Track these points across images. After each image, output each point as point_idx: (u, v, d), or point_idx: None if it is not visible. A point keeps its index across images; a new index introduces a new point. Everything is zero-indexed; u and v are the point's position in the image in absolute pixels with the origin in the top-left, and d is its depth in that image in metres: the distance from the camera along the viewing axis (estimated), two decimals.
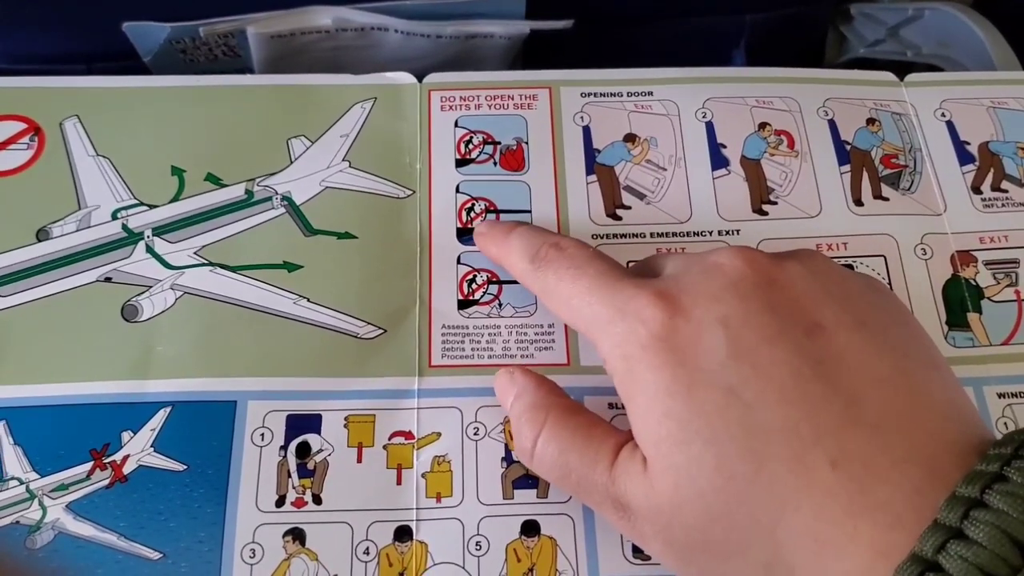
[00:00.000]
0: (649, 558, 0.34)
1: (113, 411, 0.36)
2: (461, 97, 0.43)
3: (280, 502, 0.35)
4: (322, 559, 0.34)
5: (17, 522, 0.34)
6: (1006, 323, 0.39)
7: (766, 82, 0.44)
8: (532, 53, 0.51)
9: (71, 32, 0.48)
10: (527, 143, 0.42)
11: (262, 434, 0.36)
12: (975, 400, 0.37)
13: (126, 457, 0.35)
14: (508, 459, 0.36)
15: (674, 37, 0.53)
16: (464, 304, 0.39)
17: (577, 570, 0.34)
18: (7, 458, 0.35)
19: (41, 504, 0.34)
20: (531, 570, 0.34)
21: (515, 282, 0.39)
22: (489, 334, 0.38)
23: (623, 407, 0.36)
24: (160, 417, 0.36)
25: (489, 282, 0.40)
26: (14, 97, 0.43)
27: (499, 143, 0.42)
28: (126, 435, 0.35)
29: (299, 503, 0.35)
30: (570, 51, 0.50)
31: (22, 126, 0.43)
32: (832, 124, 0.43)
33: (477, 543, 0.34)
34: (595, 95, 0.43)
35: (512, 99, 0.43)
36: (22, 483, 0.35)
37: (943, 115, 0.44)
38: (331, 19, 0.46)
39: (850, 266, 0.40)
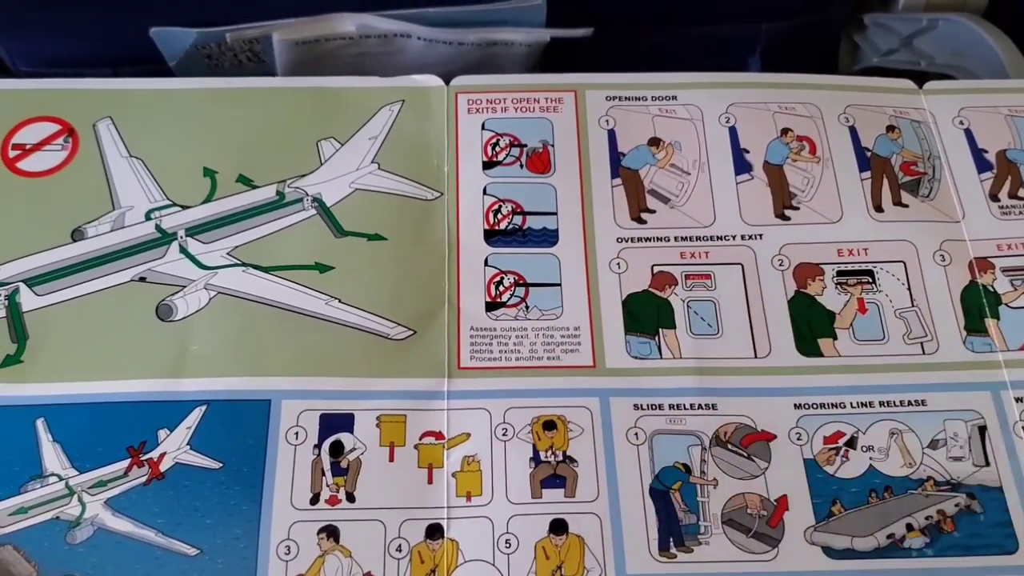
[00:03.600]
0: (675, 556, 0.35)
1: (149, 409, 0.37)
2: (488, 100, 0.44)
3: (314, 500, 0.35)
4: (356, 556, 0.34)
5: (57, 517, 0.35)
6: (1023, 329, 0.40)
7: (788, 88, 0.45)
8: (551, 61, 0.51)
9: (98, 37, 0.49)
10: (553, 146, 0.43)
11: (296, 433, 0.36)
12: (992, 405, 0.38)
13: (163, 455, 0.36)
14: (536, 459, 0.37)
15: (691, 45, 0.54)
16: (492, 306, 0.40)
17: (604, 568, 0.34)
18: (46, 454, 0.36)
19: (80, 500, 0.35)
20: (559, 567, 0.35)
21: (542, 284, 0.40)
22: (516, 336, 0.39)
23: (648, 407, 0.38)
24: (195, 415, 0.36)
25: (516, 284, 0.40)
26: (48, 99, 0.44)
27: (525, 146, 0.43)
28: (162, 433, 0.36)
29: (333, 501, 0.35)
30: (589, 59, 0.51)
31: (56, 127, 0.43)
32: (853, 131, 0.44)
33: (507, 541, 0.35)
34: (620, 99, 0.44)
35: (538, 102, 0.44)
36: (61, 479, 0.35)
37: (961, 123, 0.44)
38: (355, 26, 0.46)
39: (870, 272, 0.41)
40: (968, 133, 0.44)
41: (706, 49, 0.55)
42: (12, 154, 0.42)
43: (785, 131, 0.44)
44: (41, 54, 0.50)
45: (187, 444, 0.36)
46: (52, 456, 0.36)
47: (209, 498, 0.35)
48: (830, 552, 0.35)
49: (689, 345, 0.39)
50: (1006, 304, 0.40)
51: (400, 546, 0.35)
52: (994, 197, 0.43)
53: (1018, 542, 0.35)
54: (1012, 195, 0.43)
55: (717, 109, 0.44)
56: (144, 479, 0.35)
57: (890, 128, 0.44)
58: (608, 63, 0.48)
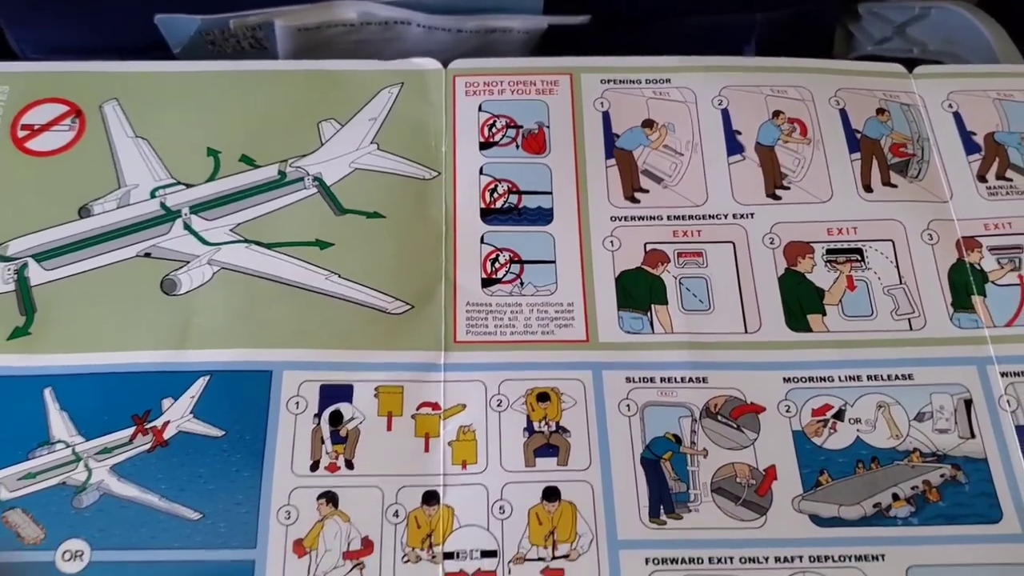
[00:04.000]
0: (665, 522, 0.36)
1: (154, 379, 0.38)
2: (485, 83, 0.45)
3: (314, 467, 0.36)
4: (354, 521, 0.35)
5: (64, 483, 0.36)
6: (1009, 306, 0.40)
7: (780, 71, 0.46)
8: (548, 48, 0.52)
9: (105, 24, 0.50)
10: (548, 127, 0.44)
11: (297, 402, 0.37)
12: (978, 379, 0.39)
13: (166, 423, 0.37)
14: (530, 429, 0.37)
15: (686, 33, 0.55)
16: (488, 282, 0.41)
17: (596, 533, 0.35)
18: (54, 422, 0.37)
19: (87, 466, 0.36)
20: (552, 533, 0.35)
21: (537, 261, 0.41)
22: (511, 312, 0.40)
23: (639, 380, 0.38)
24: (199, 385, 0.37)
25: (511, 261, 0.41)
26: (55, 81, 0.45)
27: (521, 127, 0.44)
28: (166, 402, 0.37)
29: (332, 468, 0.36)
30: (585, 46, 0.52)
31: (64, 108, 0.44)
32: (843, 113, 0.45)
33: (501, 507, 0.36)
34: (614, 82, 0.45)
35: (534, 85, 0.45)
36: (68, 446, 0.36)
37: (950, 106, 0.45)
38: (356, 13, 0.47)
39: (859, 251, 0.42)
40: (957, 116, 0.45)
41: (702, 38, 0.55)
42: (21, 134, 0.43)
43: (776, 113, 0.45)
44: (49, 41, 0.51)
45: (190, 413, 0.37)
46: (59, 424, 0.37)
47: (211, 465, 0.36)
48: (817, 520, 0.36)
49: (681, 320, 0.40)
50: (992, 282, 0.41)
51: (397, 511, 0.36)
52: (982, 178, 0.43)
53: (1001, 511, 0.36)
54: (999, 176, 0.43)
55: (710, 92, 0.45)
56: (148, 446, 0.36)
57: (880, 111, 0.45)
58: (604, 52, 0.49)
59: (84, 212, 0.42)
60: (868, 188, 0.43)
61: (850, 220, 0.42)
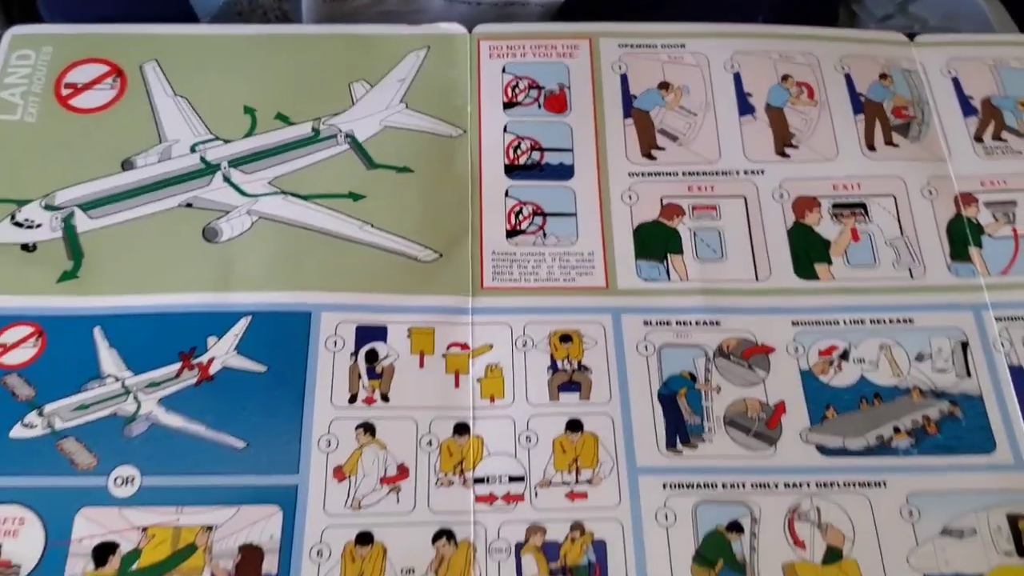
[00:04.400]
0: (681, 452, 0.38)
1: (198, 319, 0.40)
2: (507, 46, 0.47)
3: (352, 399, 0.39)
4: (390, 449, 0.38)
5: (115, 414, 0.38)
6: (1004, 256, 0.43)
7: (788, 39, 0.48)
8: (564, 21, 0.54)
9: None
10: (569, 88, 0.46)
11: (335, 341, 0.40)
12: (975, 323, 0.41)
13: (211, 359, 0.39)
14: (553, 367, 0.40)
15: (697, 7, 0.57)
16: (512, 233, 0.43)
17: (616, 461, 0.38)
18: (103, 358, 0.39)
19: (136, 398, 0.38)
20: (575, 460, 0.38)
21: (559, 214, 0.43)
22: (535, 260, 0.42)
23: (656, 323, 0.41)
24: (242, 324, 0.40)
25: (534, 214, 0.43)
26: (96, 42, 0.47)
27: (543, 88, 0.46)
28: (211, 340, 0.39)
29: (369, 401, 0.39)
30: (601, 19, 0.54)
31: (105, 68, 0.46)
32: (848, 78, 0.47)
33: (527, 437, 0.38)
34: (632, 46, 0.47)
35: (555, 48, 0.47)
36: (118, 380, 0.38)
37: (949, 72, 0.48)
38: None
39: (863, 205, 0.44)
40: (955, 82, 0.47)
41: (711, 13, 0.58)
42: (65, 92, 0.46)
43: (785, 77, 0.47)
44: (79, 14, 0.53)
45: (234, 350, 0.39)
46: (109, 360, 0.39)
47: (254, 398, 0.38)
48: (824, 450, 0.38)
49: (696, 269, 0.42)
50: (988, 234, 0.43)
51: (431, 441, 0.38)
52: (978, 139, 0.46)
53: (995, 443, 0.39)
54: (995, 137, 0.46)
55: (722, 56, 0.47)
56: (194, 380, 0.39)
57: (883, 76, 0.47)
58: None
59: (127, 165, 0.44)
60: (871, 147, 0.45)
61: (854, 176, 0.45)
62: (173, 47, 0.47)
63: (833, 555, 0.36)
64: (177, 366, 0.39)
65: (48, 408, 0.38)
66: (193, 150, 0.44)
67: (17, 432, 0.37)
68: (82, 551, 0.35)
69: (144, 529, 0.36)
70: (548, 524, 0.36)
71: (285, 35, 0.47)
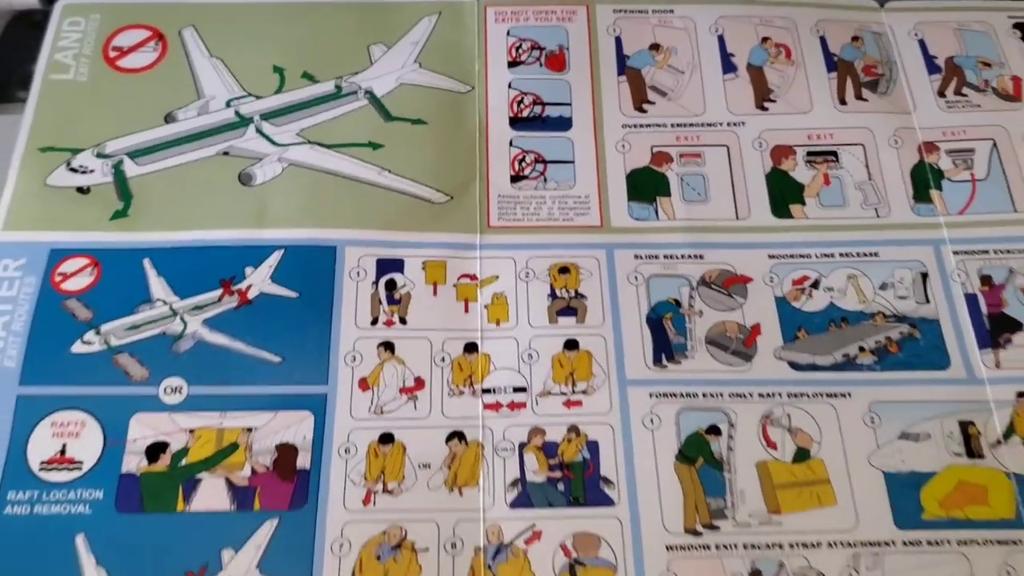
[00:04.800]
0: (666, 367, 0.43)
1: (237, 252, 0.45)
2: (512, 12, 0.52)
3: (374, 322, 0.43)
4: (408, 364, 0.42)
5: (163, 332, 0.43)
6: (962, 198, 0.47)
7: (768, 5, 0.52)
8: None
9: None
10: (568, 49, 0.51)
11: (358, 272, 0.44)
12: (934, 259, 0.46)
13: (249, 286, 0.44)
14: (553, 295, 0.44)
15: None
16: (516, 179, 0.48)
17: (608, 374, 0.42)
18: (153, 285, 0.44)
19: (183, 319, 0.43)
20: (572, 374, 0.42)
21: (558, 161, 0.48)
22: (536, 203, 0.47)
23: (646, 257, 0.45)
24: (275, 257, 0.44)
25: (536, 161, 0.48)
26: (139, 11, 0.52)
27: (544, 48, 0.51)
28: (248, 270, 0.44)
29: (389, 323, 0.43)
30: None
31: (147, 33, 0.51)
32: (823, 40, 0.52)
33: (529, 354, 0.43)
34: (625, 11, 0.52)
35: (555, 13, 0.52)
36: (166, 303, 0.43)
37: (916, 34, 0.52)
38: None
39: (835, 153, 0.48)
40: (921, 43, 0.52)
41: None
42: (112, 54, 0.50)
43: (765, 39, 0.51)
44: None
45: (269, 278, 0.44)
46: (158, 286, 0.44)
47: (288, 320, 0.43)
48: (795, 365, 0.43)
49: (682, 209, 0.47)
50: (948, 178, 0.48)
51: (443, 358, 0.43)
52: (941, 94, 0.50)
53: (950, 360, 0.43)
54: (957, 92, 0.50)
55: (708, 21, 0.52)
56: (235, 304, 0.43)
57: (855, 38, 0.52)
58: None
59: (169, 119, 0.48)
60: (843, 101, 0.50)
61: (827, 128, 0.49)
62: (209, 14, 0.52)
63: (802, 455, 0.41)
64: (219, 292, 0.44)
65: (104, 328, 0.43)
66: (228, 105, 0.49)
67: (77, 348, 0.42)
68: (136, 450, 0.40)
69: (191, 431, 0.41)
70: (548, 427, 0.41)
71: (310, 3, 0.52)
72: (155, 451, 0.40)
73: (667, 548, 0.39)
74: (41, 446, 0.40)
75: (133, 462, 0.40)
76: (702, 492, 0.40)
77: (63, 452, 0.40)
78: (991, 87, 0.50)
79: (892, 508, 0.40)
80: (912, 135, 0.49)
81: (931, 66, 0.51)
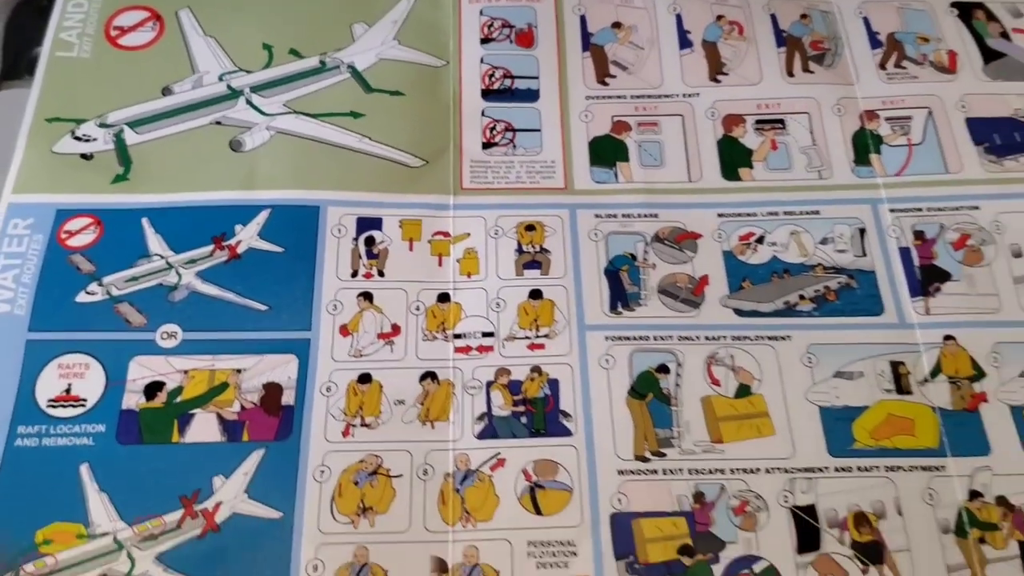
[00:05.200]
0: (621, 313, 0.46)
1: (227, 211, 0.48)
2: None
3: (354, 274, 0.47)
4: (386, 312, 0.46)
5: (160, 284, 0.46)
6: (898, 161, 0.51)
7: None
8: None
9: None
10: (536, 27, 0.55)
11: (339, 229, 0.48)
12: (872, 216, 0.49)
13: (239, 242, 0.47)
14: (520, 250, 0.48)
15: None
16: (487, 145, 0.51)
17: (569, 320, 0.46)
18: (150, 241, 0.48)
19: (178, 272, 0.47)
20: (536, 320, 0.46)
21: (526, 130, 0.52)
22: (506, 167, 0.51)
23: (605, 216, 0.49)
24: (263, 215, 0.48)
25: (506, 130, 0.52)
26: None
27: (514, 26, 0.55)
28: (238, 227, 0.48)
29: (368, 275, 0.47)
30: None
31: (146, 14, 0.55)
32: (773, 17, 0.56)
33: (497, 303, 0.47)
34: None
35: None
36: (162, 258, 0.47)
37: (861, 12, 0.56)
38: None
39: (782, 120, 0.52)
40: (865, 20, 0.56)
41: None
42: (113, 33, 0.54)
43: (719, 17, 0.55)
44: None
45: (257, 235, 0.48)
46: (155, 242, 0.47)
47: (275, 272, 0.47)
48: (739, 312, 0.47)
49: (639, 173, 0.51)
50: (886, 143, 0.52)
51: (419, 306, 0.46)
52: (882, 66, 0.54)
53: (883, 307, 0.47)
54: (897, 65, 0.54)
55: (667, 0, 0.56)
56: (225, 258, 0.47)
57: (803, 16, 0.56)
58: None
59: (166, 92, 0.52)
60: (791, 74, 0.54)
61: (775, 98, 0.53)
62: None
63: (743, 391, 0.45)
64: (211, 247, 0.47)
65: (106, 279, 0.46)
66: (221, 79, 0.53)
67: (81, 298, 0.46)
68: (135, 388, 0.44)
69: (185, 372, 0.44)
70: (513, 367, 0.45)
71: None
72: (152, 390, 0.44)
73: (619, 472, 0.42)
74: (48, 386, 0.44)
75: (132, 399, 0.44)
76: (651, 424, 0.43)
77: (68, 391, 0.44)
78: (928, 60, 0.54)
79: (826, 438, 0.43)
80: (854, 104, 0.53)
81: (874, 41, 0.55)
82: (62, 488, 0.42)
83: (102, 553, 0.41)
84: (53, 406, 0.43)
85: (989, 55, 0.54)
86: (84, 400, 0.44)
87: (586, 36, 0.55)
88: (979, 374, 0.45)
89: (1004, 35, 0.55)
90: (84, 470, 0.42)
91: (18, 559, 0.40)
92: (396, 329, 0.46)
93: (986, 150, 0.51)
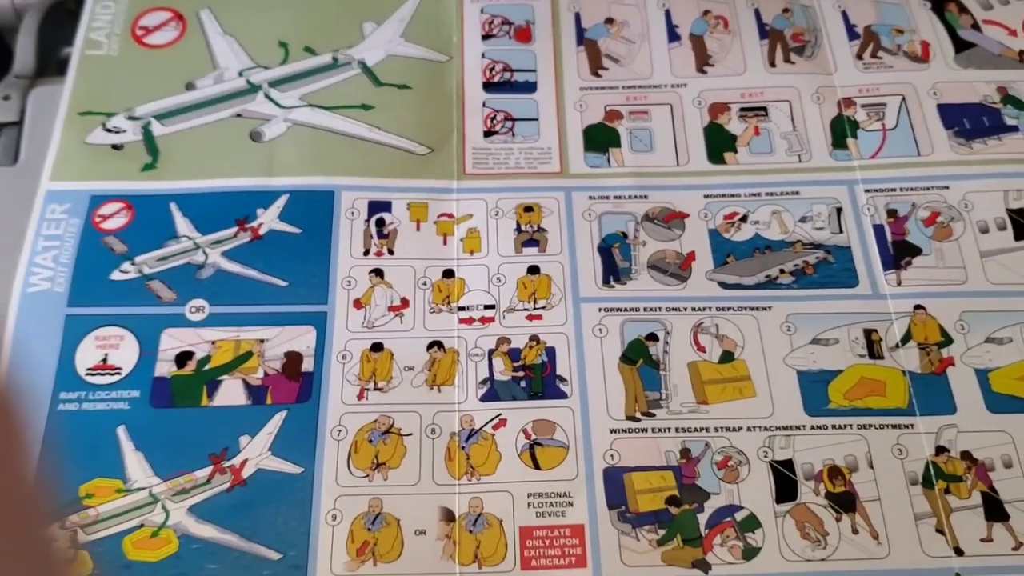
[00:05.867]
0: (613, 287, 0.50)
1: (249, 196, 0.52)
2: None
3: (366, 252, 0.51)
4: (395, 287, 0.50)
5: (188, 262, 0.50)
6: (873, 144, 0.55)
7: None
8: None
9: None
10: (534, 24, 0.58)
11: (352, 212, 0.52)
12: (848, 196, 0.53)
13: (260, 224, 0.51)
14: (518, 229, 0.52)
15: None
16: (488, 134, 0.55)
17: (564, 293, 0.50)
18: (179, 224, 0.51)
19: (204, 252, 0.51)
20: (533, 293, 0.50)
21: (525, 119, 0.55)
22: (505, 154, 0.55)
23: (598, 197, 0.53)
24: (282, 200, 0.52)
25: (506, 119, 0.56)
26: None
27: (513, 23, 0.58)
28: (260, 211, 0.52)
29: (379, 254, 0.51)
30: None
31: (169, 15, 0.59)
32: (757, 12, 0.59)
33: (497, 278, 0.50)
34: None
35: None
36: (190, 239, 0.51)
37: (839, 7, 0.59)
38: None
39: (764, 108, 0.56)
40: (844, 13, 0.59)
41: None
42: (139, 33, 0.58)
43: (706, 12, 0.59)
44: None
45: (277, 218, 0.51)
46: (183, 225, 0.51)
47: (293, 251, 0.51)
48: (723, 285, 0.50)
49: (631, 158, 0.54)
50: (862, 128, 0.55)
51: (425, 282, 0.50)
52: (859, 57, 0.58)
53: (858, 280, 0.50)
54: (873, 55, 0.58)
55: None
56: (248, 239, 0.51)
57: (785, 10, 0.59)
58: None
59: (189, 87, 0.56)
60: (773, 64, 0.57)
61: (758, 87, 0.57)
62: None
63: (727, 357, 0.48)
64: (235, 229, 0.51)
65: (138, 259, 0.50)
66: (240, 75, 0.57)
67: (115, 276, 0.50)
68: (167, 358, 0.48)
69: (213, 342, 0.48)
70: (512, 337, 0.49)
71: None
72: (183, 359, 0.48)
73: (611, 431, 0.46)
74: (87, 356, 0.48)
75: (164, 368, 0.48)
76: (641, 387, 0.47)
77: (105, 361, 0.48)
78: (903, 51, 0.58)
79: (803, 399, 0.47)
80: (833, 92, 0.56)
81: (851, 33, 0.59)
82: (101, 448, 0.45)
83: (139, 505, 0.44)
84: (91, 374, 0.47)
85: (960, 45, 0.58)
86: (120, 369, 0.47)
87: (580, 31, 0.58)
88: (947, 340, 0.49)
89: (975, 26, 0.59)
90: (121, 431, 0.46)
91: (64, 510, 0.44)
92: (405, 302, 0.50)
93: (956, 134, 0.55)
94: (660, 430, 0.46)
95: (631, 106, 0.56)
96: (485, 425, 0.46)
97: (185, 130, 0.55)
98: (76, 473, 0.45)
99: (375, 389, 0.47)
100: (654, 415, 0.47)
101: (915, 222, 0.52)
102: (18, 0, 0.62)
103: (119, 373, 0.47)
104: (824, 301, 0.50)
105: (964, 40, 0.58)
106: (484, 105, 0.56)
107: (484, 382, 0.48)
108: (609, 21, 0.59)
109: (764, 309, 0.50)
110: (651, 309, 0.49)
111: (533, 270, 0.51)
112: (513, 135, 0.55)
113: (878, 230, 0.52)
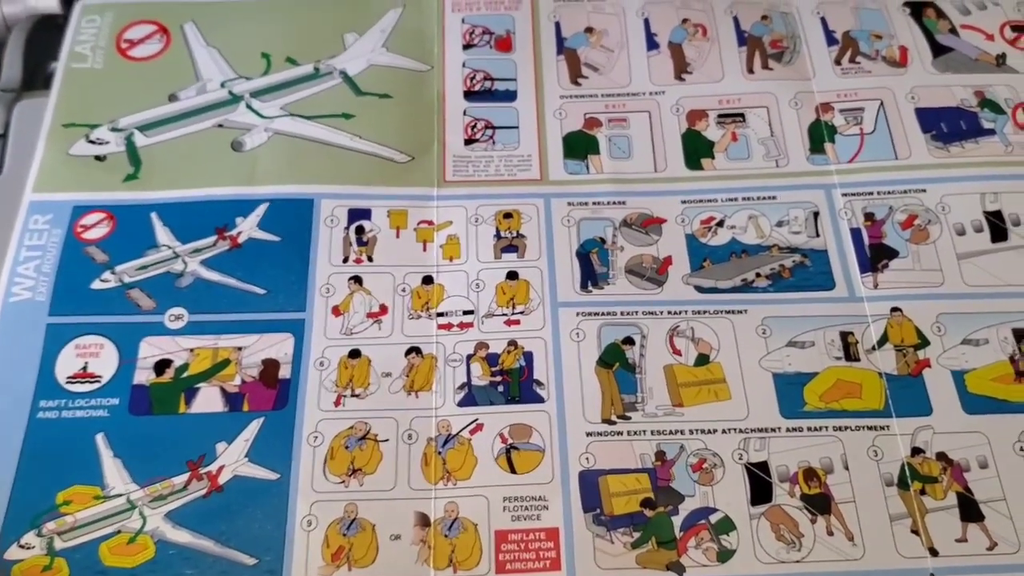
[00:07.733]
0: (591, 291, 0.50)
1: (229, 205, 0.53)
2: (466, 2, 0.60)
3: (345, 260, 0.51)
4: (374, 294, 0.50)
5: (168, 271, 0.51)
6: (851, 149, 0.55)
7: None
8: None
9: None
10: (514, 34, 0.59)
11: (332, 219, 0.52)
12: (825, 200, 0.53)
13: (239, 232, 0.52)
14: (498, 235, 0.52)
15: None
16: (469, 142, 0.56)
17: (543, 297, 0.50)
18: (159, 233, 0.52)
19: (183, 260, 0.51)
20: (512, 299, 0.50)
21: (505, 127, 0.56)
22: (485, 161, 0.55)
23: (577, 204, 0.53)
24: (262, 208, 0.52)
25: (486, 127, 0.56)
26: (147, 9, 0.61)
27: (494, 33, 0.59)
28: (239, 220, 0.52)
29: (358, 261, 0.51)
30: None
31: (153, 28, 0.60)
32: (736, 19, 0.60)
33: (476, 284, 0.51)
34: (564, 0, 0.60)
35: (503, 3, 0.60)
36: (170, 248, 0.51)
37: (818, 13, 0.60)
38: None
39: (742, 114, 0.56)
40: (823, 20, 0.60)
41: None
42: (123, 46, 0.59)
43: (684, 20, 0.59)
44: None
45: (256, 226, 0.52)
46: (163, 234, 0.52)
47: (273, 259, 0.51)
48: (700, 289, 0.50)
49: (609, 165, 0.55)
50: (840, 133, 0.55)
51: (404, 288, 0.50)
52: (838, 62, 0.58)
53: (835, 283, 0.50)
54: (851, 60, 0.58)
55: (636, 6, 0.60)
56: (227, 248, 0.51)
57: (764, 17, 0.60)
58: None
59: (172, 98, 0.57)
60: (751, 71, 0.58)
61: (736, 93, 0.57)
62: (207, 11, 0.60)
63: (702, 360, 0.48)
64: (214, 238, 0.52)
65: (119, 268, 0.51)
66: (223, 86, 0.57)
67: (96, 285, 0.50)
68: (146, 366, 0.48)
69: (191, 350, 0.49)
70: (491, 342, 0.49)
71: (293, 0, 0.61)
72: (161, 366, 0.48)
73: (587, 434, 0.46)
74: (67, 364, 0.48)
75: (143, 375, 0.48)
76: (617, 390, 0.47)
77: (85, 369, 0.48)
78: (881, 56, 0.58)
79: (779, 402, 0.47)
80: (811, 97, 0.57)
81: (830, 39, 0.59)
82: (80, 455, 0.46)
83: (116, 512, 0.45)
84: (71, 382, 0.48)
85: (938, 50, 0.58)
86: (99, 377, 0.48)
87: (560, 40, 0.59)
88: (923, 342, 0.49)
89: (952, 31, 0.59)
90: (100, 439, 0.46)
91: (41, 517, 0.44)
92: (384, 309, 0.50)
93: (933, 137, 0.55)
94: (635, 433, 0.46)
95: (610, 114, 0.56)
96: (462, 430, 0.46)
97: (167, 141, 0.55)
98: (54, 480, 0.45)
99: (352, 395, 0.47)
100: (630, 418, 0.47)
101: (892, 225, 0.52)
102: (8, 13, 0.63)
103: (99, 381, 0.48)
104: (800, 304, 0.50)
105: (942, 45, 0.59)
106: (465, 113, 0.57)
107: (462, 387, 0.48)
108: (589, 30, 0.59)
109: (740, 312, 0.50)
110: (628, 313, 0.50)
111: (512, 276, 0.51)
112: (493, 143, 0.56)
113: (855, 233, 0.52)
